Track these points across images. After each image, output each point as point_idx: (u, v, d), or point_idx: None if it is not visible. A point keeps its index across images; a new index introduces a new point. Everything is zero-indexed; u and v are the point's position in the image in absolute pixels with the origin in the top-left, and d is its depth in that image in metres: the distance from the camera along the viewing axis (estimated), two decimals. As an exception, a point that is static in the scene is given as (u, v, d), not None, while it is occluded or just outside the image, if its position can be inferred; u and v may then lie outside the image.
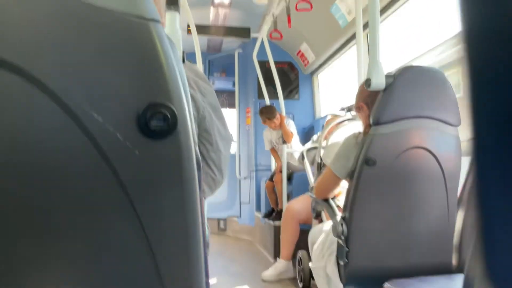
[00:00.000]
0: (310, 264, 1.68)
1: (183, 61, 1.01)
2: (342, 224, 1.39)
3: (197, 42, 2.60)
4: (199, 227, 0.50)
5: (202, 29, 3.74)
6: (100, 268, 0.49)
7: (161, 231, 0.49)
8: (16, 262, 0.46)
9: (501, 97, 0.24)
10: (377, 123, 1.32)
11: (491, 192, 0.25)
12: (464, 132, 1.61)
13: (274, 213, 3.61)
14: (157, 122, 0.46)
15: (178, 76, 0.47)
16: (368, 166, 1.32)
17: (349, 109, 2.49)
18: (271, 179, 3.69)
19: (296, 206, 2.81)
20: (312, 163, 2.65)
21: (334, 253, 1.49)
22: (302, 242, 2.56)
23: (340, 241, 1.41)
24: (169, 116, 0.46)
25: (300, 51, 4.44)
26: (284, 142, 3.43)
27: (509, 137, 0.24)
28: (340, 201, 1.89)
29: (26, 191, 0.45)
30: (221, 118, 1.06)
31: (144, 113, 0.46)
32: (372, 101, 1.48)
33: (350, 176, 1.42)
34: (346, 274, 1.40)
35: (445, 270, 1.40)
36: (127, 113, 0.46)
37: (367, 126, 1.45)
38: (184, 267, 0.50)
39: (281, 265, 2.78)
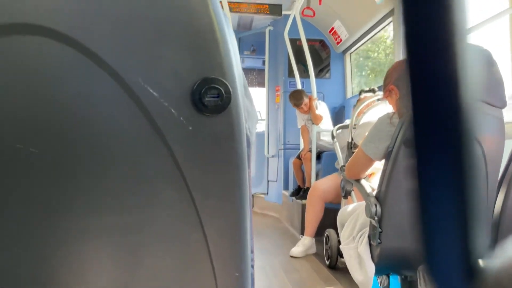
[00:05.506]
0: (340, 246, 1.68)
1: None
2: (376, 205, 1.38)
3: (229, 20, 2.58)
4: (248, 202, 0.51)
5: (233, 6, 3.70)
6: (150, 240, 0.50)
7: (212, 206, 0.50)
8: (70, 230, 0.48)
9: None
10: (417, 103, 1.28)
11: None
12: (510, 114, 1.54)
13: (301, 192, 3.62)
14: (211, 98, 0.46)
15: (232, 52, 0.47)
16: (406, 148, 1.29)
17: (371, 91, 2.43)
18: (298, 157, 3.69)
19: (323, 186, 2.82)
20: (342, 142, 2.62)
21: (365, 234, 1.48)
22: (328, 221, 2.58)
23: (373, 222, 1.40)
24: (223, 91, 0.46)
25: (333, 28, 4.32)
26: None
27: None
28: (373, 183, 1.86)
29: (80, 161, 0.47)
30: (248, 97, 1.07)
31: (198, 88, 0.46)
32: (404, 83, 1.42)
33: (386, 157, 1.39)
34: (378, 255, 1.39)
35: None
36: (181, 88, 0.46)
37: (400, 109, 1.40)
38: (234, 242, 0.51)
39: (307, 241, 2.84)
